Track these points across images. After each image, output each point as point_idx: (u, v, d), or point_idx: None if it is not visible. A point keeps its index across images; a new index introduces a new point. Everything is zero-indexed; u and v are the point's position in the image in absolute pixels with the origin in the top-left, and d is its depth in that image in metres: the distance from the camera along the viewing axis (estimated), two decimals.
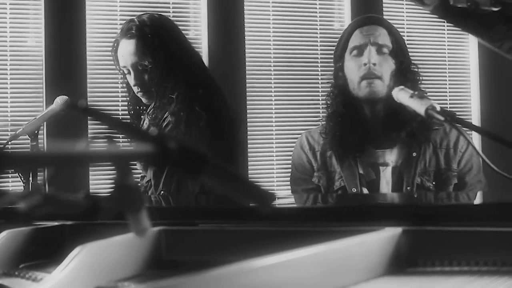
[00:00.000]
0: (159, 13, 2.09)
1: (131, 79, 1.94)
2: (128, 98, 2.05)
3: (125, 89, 2.06)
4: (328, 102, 1.84)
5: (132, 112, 2.03)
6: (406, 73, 1.78)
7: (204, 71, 1.97)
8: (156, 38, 1.89)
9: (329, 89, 1.87)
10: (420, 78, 1.83)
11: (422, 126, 1.75)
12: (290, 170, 1.94)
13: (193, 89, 1.87)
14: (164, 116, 1.86)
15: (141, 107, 2.01)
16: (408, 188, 1.75)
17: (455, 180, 1.77)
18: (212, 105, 1.87)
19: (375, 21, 1.86)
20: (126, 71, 1.95)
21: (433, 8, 1.09)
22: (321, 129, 1.86)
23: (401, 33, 1.91)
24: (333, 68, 1.89)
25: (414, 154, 1.77)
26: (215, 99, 1.90)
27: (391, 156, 1.79)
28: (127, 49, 1.92)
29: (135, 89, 1.94)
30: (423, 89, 1.79)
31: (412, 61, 1.85)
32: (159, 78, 1.88)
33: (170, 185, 1.79)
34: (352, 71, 1.80)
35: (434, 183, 1.76)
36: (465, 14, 1.02)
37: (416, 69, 1.84)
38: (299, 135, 1.97)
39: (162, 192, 1.79)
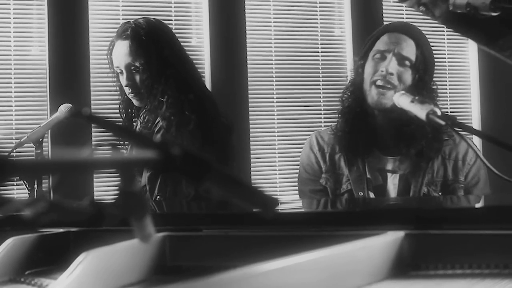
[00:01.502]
0: (156, 18, 2.13)
1: (123, 80, 1.97)
2: (120, 101, 2.07)
3: (118, 92, 2.07)
4: (344, 97, 1.83)
5: (124, 115, 2.05)
6: (422, 89, 1.75)
7: (196, 77, 2.00)
8: (150, 40, 1.93)
9: (347, 83, 1.86)
10: (437, 96, 1.81)
11: (434, 142, 1.74)
12: (296, 171, 1.94)
13: (184, 94, 1.89)
14: (156, 121, 1.89)
15: (133, 110, 2.03)
16: None
17: (461, 192, 1.77)
18: (203, 110, 1.89)
19: (406, 30, 1.83)
20: (119, 71, 1.98)
21: (443, 19, 1.10)
22: (332, 128, 1.85)
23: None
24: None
25: (423, 163, 1.76)
26: (206, 105, 1.92)
27: (400, 164, 1.79)
28: (121, 50, 1.95)
29: (127, 90, 1.98)
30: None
31: (434, 79, 1.82)
32: (150, 80, 1.91)
33: (165, 190, 1.81)
34: (369, 73, 1.79)
35: (440, 193, 1.76)
36: (473, 24, 1.03)
37: (435, 87, 1.81)
38: (302, 140, 1.97)
39: (157, 197, 1.81)
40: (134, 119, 2.02)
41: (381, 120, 1.79)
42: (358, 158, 1.78)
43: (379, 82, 1.76)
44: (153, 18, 2.07)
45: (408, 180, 1.77)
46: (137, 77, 1.94)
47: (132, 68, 1.93)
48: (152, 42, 1.93)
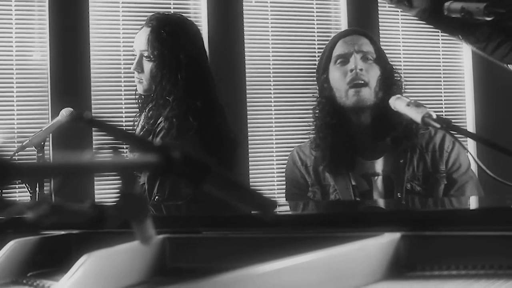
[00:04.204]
0: (189, 18, 2.16)
1: (134, 62, 1.99)
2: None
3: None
4: (316, 114, 1.85)
5: (139, 100, 2.05)
6: (391, 77, 1.80)
7: (208, 86, 1.97)
8: (168, 36, 1.93)
9: (315, 102, 1.88)
10: (403, 86, 1.85)
11: (407, 132, 1.77)
12: (285, 185, 1.95)
13: (192, 99, 1.89)
14: (159, 121, 1.89)
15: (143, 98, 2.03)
16: (399, 194, 1.75)
17: (444, 181, 1.78)
18: (209, 120, 1.88)
19: (357, 32, 1.90)
20: (135, 54, 2.00)
21: (418, 13, 1.11)
22: (311, 143, 1.86)
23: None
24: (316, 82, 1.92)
25: (402, 160, 1.78)
26: (214, 116, 1.92)
27: (381, 166, 1.80)
28: (142, 35, 1.98)
29: (135, 74, 1.99)
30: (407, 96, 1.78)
31: (395, 70, 1.86)
32: (159, 74, 1.92)
33: (164, 190, 1.82)
34: (338, 80, 1.81)
35: (423, 186, 1.77)
36: (451, 19, 1.04)
37: (399, 78, 1.85)
38: (299, 143, 1.98)
39: (156, 197, 1.82)
40: (144, 110, 2.01)
41: (358, 123, 1.81)
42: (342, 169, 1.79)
43: (353, 81, 1.78)
44: (185, 18, 2.09)
45: (391, 180, 1.78)
46: (146, 66, 1.95)
47: (145, 55, 1.95)
48: (170, 39, 1.93)
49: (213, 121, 1.90)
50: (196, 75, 1.94)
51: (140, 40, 1.98)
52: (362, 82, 1.78)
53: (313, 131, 1.87)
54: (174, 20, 2.00)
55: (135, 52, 2.00)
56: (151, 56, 1.94)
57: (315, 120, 1.86)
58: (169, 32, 1.94)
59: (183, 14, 3.05)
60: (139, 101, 2.05)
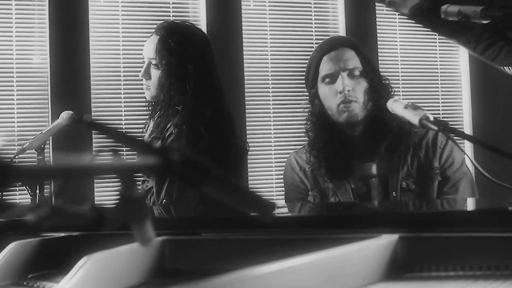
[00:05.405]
0: (198, 27, 2.16)
1: (142, 69, 1.99)
2: None
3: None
4: (308, 128, 1.85)
5: (149, 106, 2.05)
6: (378, 89, 1.79)
7: (217, 95, 1.96)
8: (176, 46, 1.93)
9: (307, 115, 1.87)
10: (393, 90, 1.84)
11: (402, 133, 1.77)
12: (284, 190, 1.95)
13: (201, 109, 1.88)
14: (167, 127, 1.89)
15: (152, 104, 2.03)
16: (394, 193, 1.76)
17: (438, 177, 1.78)
18: (218, 130, 1.88)
19: (341, 44, 1.85)
20: (143, 61, 2.00)
21: (409, 13, 1.12)
22: (306, 151, 1.86)
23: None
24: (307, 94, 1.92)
25: (396, 160, 1.78)
26: (223, 125, 1.91)
27: (377, 167, 1.80)
28: (151, 43, 1.98)
29: (143, 80, 2.00)
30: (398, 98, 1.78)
31: (382, 76, 1.85)
32: (166, 82, 1.91)
33: (172, 194, 1.82)
34: (328, 98, 1.81)
35: (418, 184, 1.77)
36: (444, 20, 1.05)
37: (387, 82, 1.85)
38: (298, 144, 1.99)
39: (164, 200, 1.82)
40: (153, 117, 2.00)
41: (352, 135, 1.81)
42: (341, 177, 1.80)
43: (342, 102, 1.78)
44: (195, 26, 2.08)
45: (387, 180, 1.78)
46: (154, 74, 1.95)
47: (153, 63, 1.95)
48: (178, 49, 1.92)
49: (222, 131, 1.90)
50: (205, 85, 1.93)
51: (149, 48, 1.97)
52: (352, 99, 1.78)
53: (307, 147, 1.86)
54: (183, 29, 1.98)
55: (144, 59, 2.00)
56: (159, 65, 1.93)
57: (307, 133, 1.86)
58: (177, 42, 1.93)
59: (183, 18, 3.09)
60: (149, 107, 2.05)
